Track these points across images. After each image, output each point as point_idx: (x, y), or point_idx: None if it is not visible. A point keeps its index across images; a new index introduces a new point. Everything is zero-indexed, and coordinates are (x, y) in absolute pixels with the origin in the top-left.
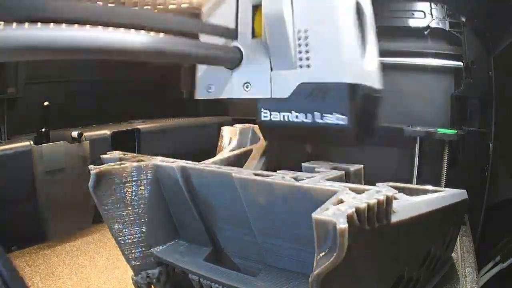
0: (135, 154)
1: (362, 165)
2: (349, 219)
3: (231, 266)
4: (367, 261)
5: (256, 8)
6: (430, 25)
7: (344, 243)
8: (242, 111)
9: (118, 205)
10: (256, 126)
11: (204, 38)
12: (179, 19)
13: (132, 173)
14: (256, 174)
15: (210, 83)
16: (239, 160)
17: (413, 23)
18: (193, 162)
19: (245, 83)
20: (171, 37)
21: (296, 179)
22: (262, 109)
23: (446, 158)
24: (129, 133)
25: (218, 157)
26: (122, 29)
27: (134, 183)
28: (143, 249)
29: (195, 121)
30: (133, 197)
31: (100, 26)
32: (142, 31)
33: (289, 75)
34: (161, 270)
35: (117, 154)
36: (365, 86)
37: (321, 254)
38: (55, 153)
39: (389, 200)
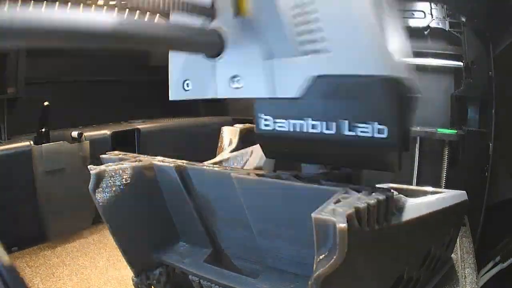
0: (134, 154)
1: None
2: (349, 218)
3: (232, 267)
4: (367, 262)
5: None
6: (430, 25)
7: (344, 242)
8: (242, 111)
9: (118, 207)
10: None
11: (176, 18)
12: None
13: (132, 174)
14: (255, 174)
15: (186, 78)
16: (239, 161)
17: (413, 23)
18: (192, 162)
19: (233, 76)
20: (131, 17)
21: (295, 179)
22: (262, 115)
23: (446, 158)
24: (129, 133)
25: (218, 158)
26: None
27: (133, 184)
28: (143, 250)
29: (195, 121)
30: (133, 198)
31: None
32: (93, 10)
33: (293, 64)
34: (161, 271)
35: (116, 154)
36: (411, 83)
37: (321, 257)
38: (55, 153)
39: (389, 200)
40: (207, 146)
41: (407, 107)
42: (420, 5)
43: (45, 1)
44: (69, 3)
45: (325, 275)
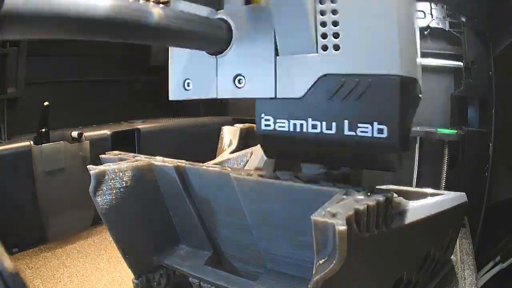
0: (134, 154)
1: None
2: (349, 221)
3: (232, 269)
4: (366, 265)
5: None
6: (430, 25)
7: (343, 245)
8: (242, 111)
9: (119, 209)
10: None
11: (177, 6)
12: None
13: (132, 176)
14: (254, 175)
15: (187, 77)
16: (239, 163)
17: None
18: (192, 162)
19: (237, 75)
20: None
21: (295, 179)
22: (263, 115)
23: (446, 158)
24: (129, 133)
25: (218, 159)
26: None
27: (134, 186)
28: (143, 252)
29: (195, 121)
30: (133, 200)
31: None
32: None
33: (306, 62)
34: (161, 274)
35: (116, 154)
36: (417, 84)
37: (320, 261)
38: (55, 153)
39: (388, 201)
40: (207, 146)
41: (409, 107)
42: (420, 5)
43: None
44: None
45: (324, 279)
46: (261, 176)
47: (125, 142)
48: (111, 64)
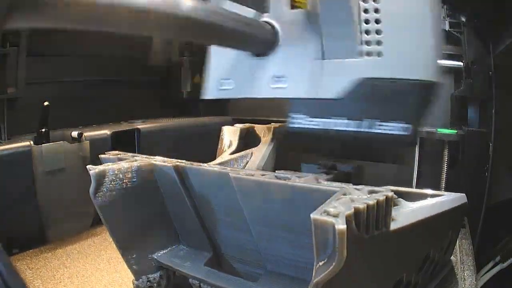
0: (133, 154)
1: (362, 165)
2: (348, 220)
3: (232, 271)
4: (366, 267)
5: None
6: None
7: (343, 244)
8: (243, 111)
9: (119, 211)
10: (256, 126)
11: (224, 4)
12: None
13: (132, 177)
14: (253, 174)
15: (225, 77)
16: (239, 163)
17: None
18: (191, 162)
19: (280, 77)
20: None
21: (294, 179)
22: (296, 113)
23: (446, 158)
24: (129, 133)
25: (218, 160)
26: None
27: (134, 188)
28: (143, 253)
29: (195, 121)
30: (133, 201)
31: None
32: None
33: (350, 66)
34: (161, 274)
35: (115, 154)
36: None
37: (320, 263)
38: (55, 153)
39: (388, 200)
40: (207, 146)
41: (430, 108)
42: None
43: None
44: None
45: (324, 281)
46: (260, 175)
47: (125, 142)
48: (111, 64)
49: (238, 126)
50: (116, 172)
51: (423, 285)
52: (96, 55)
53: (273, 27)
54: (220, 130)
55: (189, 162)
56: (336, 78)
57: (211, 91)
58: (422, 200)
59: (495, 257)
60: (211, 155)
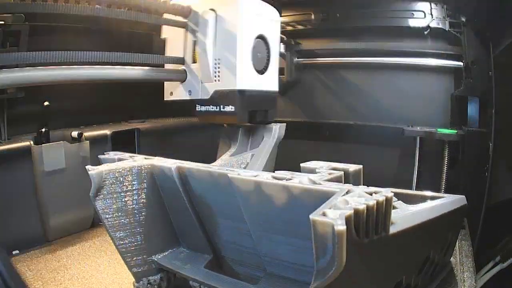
0: (132, 154)
1: (361, 166)
2: (348, 220)
3: (232, 273)
4: (366, 270)
5: (195, 43)
6: (430, 25)
7: (342, 245)
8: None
9: (119, 213)
10: (257, 126)
11: (167, 66)
12: (153, 57)
13: (132, 177)
14: (252, 175)
15: (171, 90)
16: (240, 165)
17: (413, 23)
18: (191, 162)
19: (189, 90)
20: (149, 69)
21: (294, 179)
22: (197, 104)
23: (446, 158)
24: (129, 133)
25: (218, 162)
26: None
27: (134, 190)
28: (144, 256)
29: (195, 121)
30: (134, 204)
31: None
32: (134, 67)
33: (209, 85)
34: (162, 277)
35: (114, 154)
36: (253, 90)
37: (320, 267)
38: (55, 153)
39: (388, 201)
40: (207, 146)
41: (254, 99)
42: (420, 5)
43: None
44: None
45: (324, 286)
46: (259, 176)
47: (125, 142)
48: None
49: (238, 126)
50: (116, 173)
51: (422, 286)
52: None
53: (185, 71)
54: (220, 129)
55: (188, 162)
56: (206, 90)
57: (166, 97)
58: (422, 203)
59: (495, 257)
60: (211, 155)
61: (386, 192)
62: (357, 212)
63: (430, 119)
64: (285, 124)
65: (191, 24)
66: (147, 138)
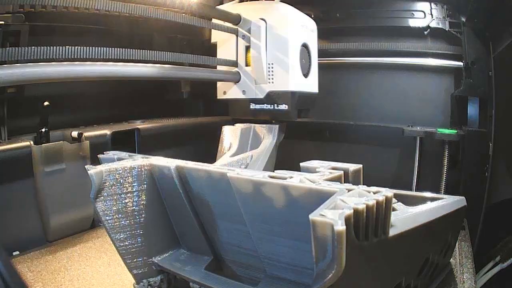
0: (132, 154)
1: (361, 165)
2: (347, 220)
3: (232, 275)
4: (365, 273)
5: (247, 48)
6: (430, 25)
7: (342, 245)
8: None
9: (120, 215)
10: (256, 126)
11: (220, 67)
12: (210, 59)
13: (131, 175)
14: (251, 174)
15: (225, 90)
16: (240, 166)
17: (413, 23)
18: (190, 162)
19: (243, 90)
20: (208, 70)
21: (293, 179)
22: (252, 103)
23: (446, 158)
24: (129, 133)
25: (218, 162)
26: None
27: (135, 192)
28: (144, 257)
29: (195, 121)
30: (134, 206)
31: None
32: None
33: (264, 86)
34: (162, 278)
35: (114, 154)
36: (301, 91)
37: (319, 270)
38: (55, 153)
39: (388, 201)
40: (207, 146)
41: (302, 99)
42: (420, 5)
43: None
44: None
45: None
46: (258, 175)
47: (125, 142)
48: None
49: (239, 126)
50: (116, 175)
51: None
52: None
53: (239, 73)
54: (220, 130)
55: (187, 162)
56: (261, 90)
57: (219, 95)
58: (422, 205)
59: (495, 257)
60: (212, 155)
61: (386, 192)
62: (356, 212)
63: (430, 119)
64: (285, 124)
65: (242, 30)
66: (147, 138)
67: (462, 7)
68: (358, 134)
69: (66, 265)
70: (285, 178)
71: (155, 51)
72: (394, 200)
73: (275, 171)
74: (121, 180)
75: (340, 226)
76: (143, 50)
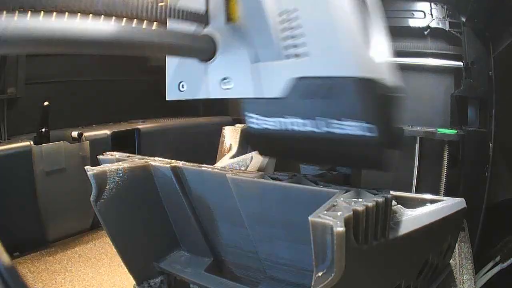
0: (131, 155)
1: None
2: (347, 222)
3: (232, 276)
4: (364, 276)
5: None
6: (430, 25)
7: (341, 246)
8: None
9: (120, 217)
10: None
11: (172, 25)
12: (141, 2)
13: (130, 175)
14: (250, 175)
15: (181, 80)
16: (240, 167)
17: (413, 23)
18: (189, 163)
19: (224, 78)
20: (128, 25)
21: (292, 180)
22: (250, 114)
23: (446, 158)
24: (129, 133)
25: (218, 164)
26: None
27: (135, 194)
28: (144, 259)
29: (195, 121)
30: (134, 208)
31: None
32: (101, 19)
33: (277, 67)
34: (162, 280)
35: (113, 154)
36: (388, 82)
37: (319, 274)
38: (55, 153)
39: (387, 202)
40: (207, 146)
41: (388, 106)
42: (420, 5)
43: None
44: (67, 13)
45: None
46: (258, 177)
47: (125, 142)
48: (111, 64)
49: (239, 126)
50: (116, 178)
51: None
52: (96, 55)
53: (212, 37)
54: (220, 130)
55: (185, 162)
56: (274, 78)
57: (171, 92)
58: (421, 207)
59: (495, 257)
60: (211, 155)
61: (386, 193)
62: (356, 213)
63: (430, 119)
64: None
65: None
66: (147, 138)
67: (462, 7)
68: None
69: (67, 266)
70: (284, 179)
71: None
72: (393, 202)
73: (274, 172)
74: (121, 183)
75: (340, 228)
76: None
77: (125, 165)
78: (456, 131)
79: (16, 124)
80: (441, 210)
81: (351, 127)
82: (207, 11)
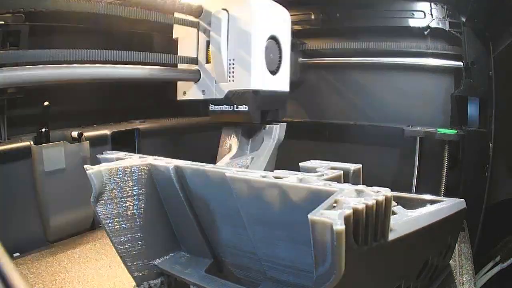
0: (131, 154)
1: (361, 165)
2: (347, 220)
3: (232, 277)
4: (364, 278)
5: (208, 43)
6: (430, 25)
7: (341, 245)
8: None
9: (120, 218)
10: (257, 127)
11: (180, 66)
12: (165, 56)
13: (131, 179)
14: (249, 174)
15: (185, 90)
16: (239, 167)
17: (413, 23)
18: (189, 162)
19: (202, 90)
20: (163, 68)
21: (292, 179)
22: (211, 104)
23: (446, 158)
24: (129, 133)
25: (218, 164)
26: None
27: (135, 195)
28: (145, 260)
29: (195, 121)
30: (133, 205)
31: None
32: (146, 67)
33: (223, 85)
34: (162, 281)
35: (113, 154)
36: (266, 90)
37: (319, 274)
38: (55, 153)
39: (387, 201)
40: (207, 146)
41: (263, 100)
42: (420, 5)
43: None
44: None
45: None
46: (257, 175)
47: (125, 142)
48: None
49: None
50: (116, 179)
51: None
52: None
53: (199, 71)
54: (220, 130)
55: (186, 162)
56: (221, 90)
57: (179, 97)
58: (421, 208)
59: (495, 257)
60: (211, 155)
61: (385, 192)
62: (356, 211)
63: (430, 119)
64: (285, 125)
65: (203, 23)
66: (147, 138)
67: (462, 7)
68: (358, 134)
69: (67, 267)
70: (284, 178)
71: (116, 51)
72: (393, 203)
73: (274, 170)
74: (121, 184)
75: (339, 226)
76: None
77: (125, 164)
78: (456, 131)
79: (16, 124)
80: (441, 211)
81: (242, 107)
82: (197, 58)
